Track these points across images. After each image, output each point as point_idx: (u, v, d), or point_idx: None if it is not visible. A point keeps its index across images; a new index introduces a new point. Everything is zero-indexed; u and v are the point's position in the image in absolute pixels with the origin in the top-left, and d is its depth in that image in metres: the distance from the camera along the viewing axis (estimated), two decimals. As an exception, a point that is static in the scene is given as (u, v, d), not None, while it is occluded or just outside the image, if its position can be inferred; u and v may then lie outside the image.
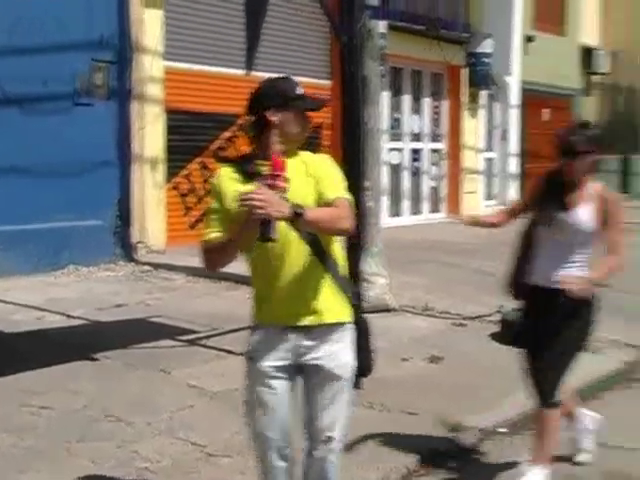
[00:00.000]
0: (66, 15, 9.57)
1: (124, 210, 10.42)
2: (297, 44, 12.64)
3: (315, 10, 9.69)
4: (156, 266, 9.98)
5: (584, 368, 6.21)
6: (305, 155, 3.07)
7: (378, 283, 7.76)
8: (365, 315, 5.66)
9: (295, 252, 2.97)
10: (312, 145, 11.87)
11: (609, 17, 22.60)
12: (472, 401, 5.34)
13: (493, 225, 4.45)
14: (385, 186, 13.61)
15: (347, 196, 3.03)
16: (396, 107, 15.51)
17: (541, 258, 4.11)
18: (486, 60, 16.20)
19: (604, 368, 6.43)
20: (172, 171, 11.03)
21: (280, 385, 3.07)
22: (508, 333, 4.40)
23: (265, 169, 2.95)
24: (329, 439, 3.09)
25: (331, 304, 3.04)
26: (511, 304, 4.43)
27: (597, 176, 4.07)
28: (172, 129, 10.84)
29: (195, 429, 4.73)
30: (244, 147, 3.18)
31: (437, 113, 16.64)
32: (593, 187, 4.06)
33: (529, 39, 17.79)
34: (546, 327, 4.06)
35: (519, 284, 4.24)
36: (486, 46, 16.15)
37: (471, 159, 16.92)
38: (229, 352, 6.13)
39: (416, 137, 16.11)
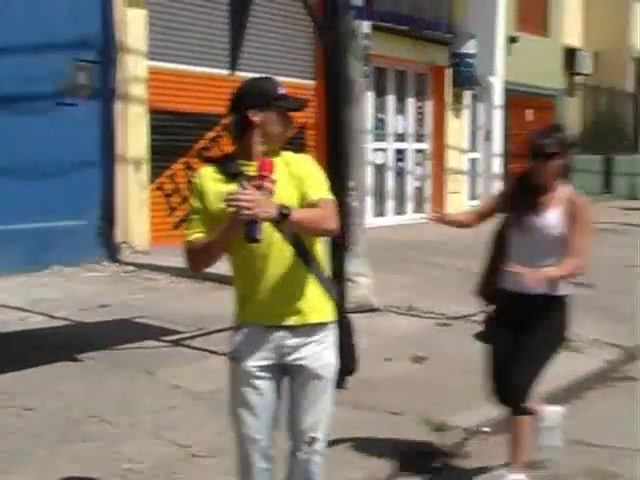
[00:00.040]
0: (49, 15, 9.52)
1: (108, 210, 10.38)
2: (281, 44, 12.63)
3: (299, 10, 9.68)
4: (140, 266, 9.95)
5: (566, 367, 6.27)
6: (287, 155, 3.07)
7: (362, 283, 7.77)
8: (349, 315, 5.69)
9: (278, 252, 2.97)
10: (296, 145, 11.88)
11: (591, 18, 22.73)
12: (456, 401, 5.35)
13: (460, 225, 4.40)
14: (369, 186, 13.64)
15: (330, 196, 3.04)
16: (380, 107, 15.53)
17: (512, 261, 4.03)
18: (470, 61, 16.26)
19: (586, 367, 6.48)
20: (156, 171, 11.00)
21: (264, 385, 3.07)
22: (492, 333, 4.41)
23: (247, 169, 2.96)
24: (313, 440, 3.09)
25: (314, 304, 3.04)
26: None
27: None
28: (156, 129, 10.80)
29: (179, 430, 4.72)
30: (228, 147, 3.17)
31: (421, 113, 16.68)
32: (563, 191, 4.04)
33: (512, 40, 17.86)
34: (518, 332, 4.03)
35: (491, 288, 4.20)
36: (470, 47, 16.21)
37: (455, 159, 16.97)
38: (213, 352, 6.12)
39: (400, 137, 16.13)
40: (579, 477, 4.46)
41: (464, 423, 4.98)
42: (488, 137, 18.23)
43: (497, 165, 18.16)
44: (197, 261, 3.05)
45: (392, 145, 15.95)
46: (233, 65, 6.81)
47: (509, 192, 4.24)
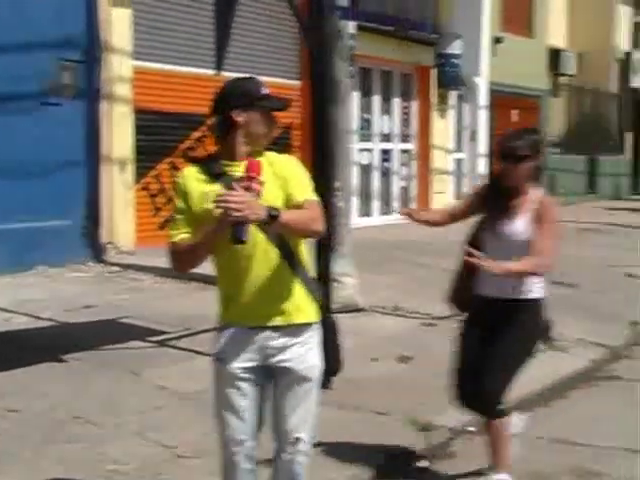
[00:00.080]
0: (34, 15, 9.48)
1: (93, 211, 10.34)
2: (267, 44, 12.62)
3: (284, 10, 9.68)
4: (125, 267, 9.92)
5: (551, 367, 6.30)
6: (271, 155, 3.06)
7: (348, 283, 7.78)
8: (335, 315, 5.69)
9: (263, 253, 2.97)
10: (282, 145, 11.89)
11: (576, 19, 22.85)
12: (442, 401, 5.34)
13: (431, 224, 4.36)
14: (355, 186, 13.65)
15: (316, 198, 3.05)
16: (366, 108, 15.55)
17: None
18: (455, 61, 16.30)
19: (571, 367, 6.51)
20: (141, 171, 10.97)
21: (248, 387, 3.06)
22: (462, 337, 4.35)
23: (231, 169, 2.96)
24: (297, 440, 3.09)
25: (299, 304, 3.04)
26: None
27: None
28: (141, 129, 10.77)
29: (165, 430, 4.72)
30: (213, 147, 3.17)
31: (407, 114, 16.70)
32: (534, 193, 3.99)
33: (497, 40, 17.92)
34: (488, 338, 3.99)
35: (464, 295, 4.15)
36: (455, 47, 16.25)
37: (441, 159, 17.01)
38: (199, 353, 6.11)
39: (386, 138, 16.16)
40: (564, 476, 4.48)
41: (450, 423, 4.99)
42: (473, 137, 18.29)
43: (482, 165, 18.21)
44: (182, 262, 3.05)
45: (378, 145, 15.97)
46: (219, 65, 6.81)
47: (482, 194, 4.19)
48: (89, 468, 4.19)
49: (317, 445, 3.29)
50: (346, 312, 7.27)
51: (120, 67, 10.44)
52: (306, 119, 6.36)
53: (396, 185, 16.43)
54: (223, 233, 2.80)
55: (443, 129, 17.10)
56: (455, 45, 16.22)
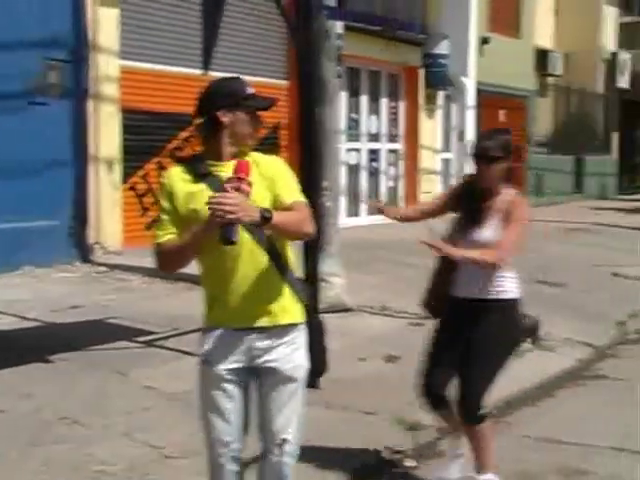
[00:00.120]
0: (20, 13, 9.44)
1: (80, 211, 10.30)
2: (254, 44, 12.61)
3: (272, 10, 9.67)
4: (112, 267, 9.89)
5: (538, 366, 6.33)
6: (256, 156, 3.04)
7: (336, 283, 7.78)
8: (322, 315, 5.69)
9: (249, 253, 2.96)
10: (270, 145, 11.89)
11: (562, 20, 22.94)
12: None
13: (403, 219, 4.33)
14: (343, 186, 13.65)
15: (304, 199, 3.04)
16: (353, 108, 15.55)
17: (462, 268, 3.95)
18: (443, 61, 16.33)
19: (558, 366, 6.53)
20: (129, 171, 10.93)
21: (234, 389, 3.05)
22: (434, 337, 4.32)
23: (216, 169, 2.95)
24: (284, 441, 3.08)
25: (285, 305, 3.04)
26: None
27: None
28: (128, 129, 10.74)
29: (152, 431, 4.70)
30: (201, 147, 3.16)
31: (394, 114, 16.72)
32: (507, 194, 3.94)
33: (485, 41, 17.97)
34: (467, 340, 3.94)
35: (439, 300, 4.11)
36: (442, 47, 16.27)
37: (428, 159, 17.04)
38: (186, 353, 6.09)
39: (374, 137, 16.17)
40: (550, 474, 4.50)
41: (437, 422, 4.99)
42: (461, 137, 18.32)
43: (470, 165, 18.23)
44: (169, 263, 3.04)
45: (365, 145, 15.98)
46: (206, 65, 6.78)
47: (456, 194, 4.15)
48: (76, 469, 4.18)
49: (304, 444, 3.28)
50: (334, 312, 7.27)
51: (107, 66, 10.41)
52: (294, 119, 6.35)
53: (384, 185, 16.44)
54: (212, 234, 2.79)
55: (431, 129, 17.13)
56: (442, 45, 16.25)
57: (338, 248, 7.91)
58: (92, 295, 8.42)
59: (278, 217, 2.83)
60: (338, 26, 12.03)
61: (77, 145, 10.22)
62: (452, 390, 4.08)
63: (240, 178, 2.78)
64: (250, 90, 3.04)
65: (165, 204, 3.00)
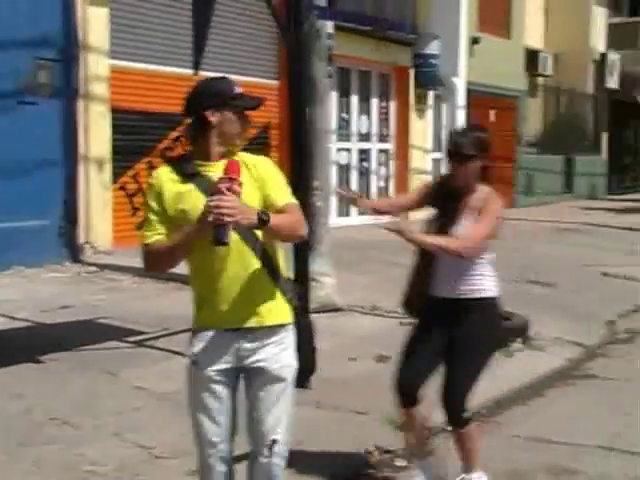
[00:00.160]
0: (10, 12, 9.41)
1: (70, 210, 10.28)
2: (245, 44, 12.60)
3: (263, 10, 9.67)
4: (103, 267, 9.87)
5: (528, 365, 6.34)
6: (245, 156, 3.03)
7: (326, 283, 7.79)
8: (312, 315, 5.69)
9: (237, 254, 2.95)
10: (260, 145, 11.87)
11: (552, 20, 23.02)
12: (419, 399, 5.37)
13: (374, 212, 4.23)
14: (334, 186, 13.64)
15: (295, 201, 3.04)
16: (344, 107, 15.57)
17: (441, 267, 3.91)
18: (433, 61, 16.35)
19: (547, 365, 6.55)
20: (119, 171, 10.91)
21: (223, 389, 3.05)
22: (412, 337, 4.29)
23: (204, 170, 2.94)
24: (273, 442, 3.07)
25: (273, 306, 3.03)
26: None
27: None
28: (118, 128, 10.72)
29: (142, 431, 4.70)
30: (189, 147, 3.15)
31: (385, 114, 16.74)
32: (482, 192, 3.89)
33: (475, 41, 18.00)
34: (449, 340, 3.91)
35: (419, 300, 4.07)
36: (433, 47, 16.30)
37: (419, 159, 17.06)
38: (177, 353, 6.08)
39: (364, 137, 16.18)
40: (540, 474, 4.51)
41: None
42: (451, 137, 18.33)
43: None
44: (158, 263, 3.04)
45: (356, 145, 15.99)
46: (197, 65, 6.77)
47: (431, 191, 4.10)
48: (66, 470, 4.17)
49: (295, 444, 3.28)
50: (324, 312, 7.28)
51: (97, 66, 10.39)
52: (284, 119, 6.36)
53: (374, 185, 16.46)
54: (204, 235, 2.78)
55: (421, 129, 17.15)
56: (433, 45, 16.28)
57: (329, 248, 7.92)
58: (82, 295, 8.40)
59: (274, 220, 2.83)
60: (328, 26, 12.02)
61: (67, 145, 10.20)
62: (428, 392, 4.06)
63: (232, 178, 2.77)
64: (238, 89, 3.03)
65: (153, 204, 2.98)
